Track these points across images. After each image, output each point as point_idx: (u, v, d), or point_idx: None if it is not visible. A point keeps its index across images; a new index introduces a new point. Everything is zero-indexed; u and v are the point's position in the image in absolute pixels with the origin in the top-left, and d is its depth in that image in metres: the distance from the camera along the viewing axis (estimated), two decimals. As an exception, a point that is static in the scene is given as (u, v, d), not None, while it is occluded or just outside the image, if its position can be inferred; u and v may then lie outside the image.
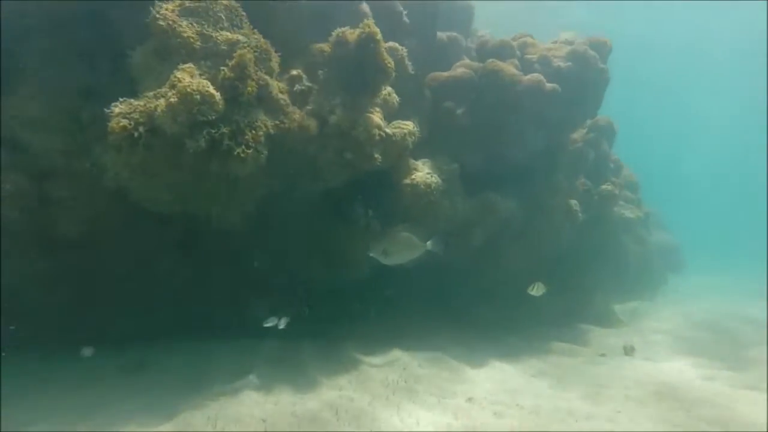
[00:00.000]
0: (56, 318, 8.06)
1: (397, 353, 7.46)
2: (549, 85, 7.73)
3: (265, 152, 5.38)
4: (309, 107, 6.07)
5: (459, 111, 8.11)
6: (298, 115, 5.86)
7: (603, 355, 8.26)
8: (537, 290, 6.83)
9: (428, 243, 6.39)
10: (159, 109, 4.71)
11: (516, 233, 8.76)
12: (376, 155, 6.38)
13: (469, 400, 5.81)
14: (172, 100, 4.67)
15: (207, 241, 8.34)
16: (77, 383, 6.50)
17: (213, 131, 4.84)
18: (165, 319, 8.75)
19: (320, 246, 8.03)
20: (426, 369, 6.84)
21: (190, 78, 4.78)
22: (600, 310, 11.43)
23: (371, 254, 6.36)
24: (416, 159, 7.98)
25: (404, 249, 6.41)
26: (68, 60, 5.86)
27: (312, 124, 5.98)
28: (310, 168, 6.84)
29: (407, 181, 7.65)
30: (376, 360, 7.15)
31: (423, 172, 7.71)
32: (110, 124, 4.71)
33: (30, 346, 7.93)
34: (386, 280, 8.75)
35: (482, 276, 9.78)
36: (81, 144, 5.74)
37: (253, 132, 5.11)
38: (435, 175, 7.71)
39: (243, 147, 5.01)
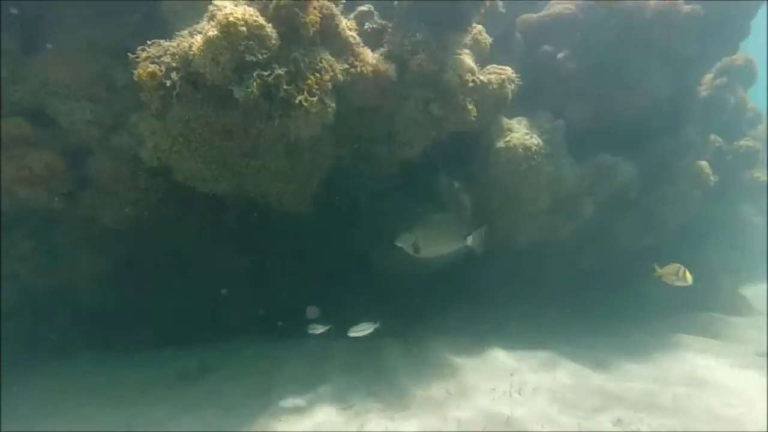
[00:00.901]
0: (109, 319, 7.28)
1: (496, 354, 6.05)
2: (686, 8, 5.94)
3: (333, 105, 4.10)
4: (383, 49, 4.72)
5: (560, 55, 6.50)
6: (371, 57, 4.52)
7: (762, 355, 6.44)
8: (679, 277, 5.10)
9: (468, 238, 4.95)
10: (195, 48, 3.53)
11: (629, 203, 7.06)
12: (470, 107, 4.95)
13: (618, 422, 4.31)
14: (211, 34, 3.47)
15: (267, 230, 7.27)
16: (133, 391, 5.59)
17: (265, 74, 3.60)
18: (225, 319, 7.81)
19: (397, 231, 6.72)
20: (540, 374, 5.38)
21: (233, 6, 3.55)
22: (727, 295, 9.44)
23: (398, 244, 5.05)
24: (509, 117, 6.46)
25: (438, 242, 5.07)
26: (100, 18, 4.82)
27: (389, 68, 4.63)
28: (386, 130, 5.51)
29: (501, 144, 6.17)
30: (474, 362, 5.77)
31: (520, 133, 6.19)
32: (136, 71, 3.58)
33: (83, 349, 7.20)
34: (468, 265, 7.35)
35: (582, 255, 8.14)
36: (117, 113, 4.69)
37: (317, 76, 3.83)
38: (535, 136, 6.17)
39: (305, 94, 3.74)
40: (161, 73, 3.53)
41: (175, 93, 3.57)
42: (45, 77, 4.41)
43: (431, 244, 5.05)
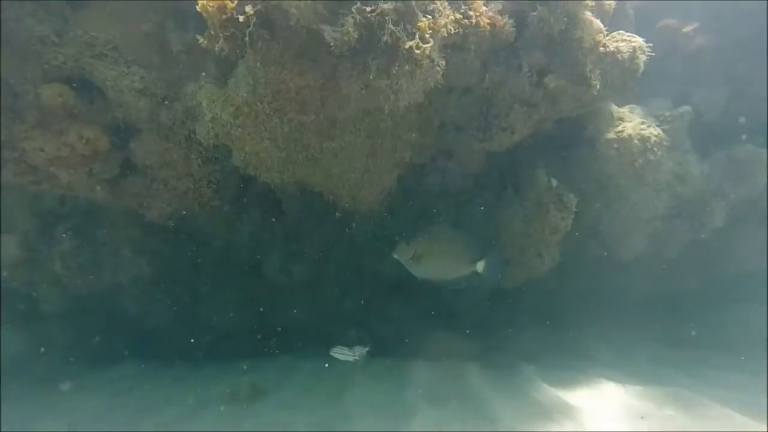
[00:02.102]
0: (151, 328, 6.48)
1: (606, 386, 4.84)
2: None
3: (443, 63, 3.12)
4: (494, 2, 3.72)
5: (687, 29, 5.36)
6: (485, 9, 3.54)
7: None
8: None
9: (478, 264, 4.08)
10: (276, -28, 2.64)
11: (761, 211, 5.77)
12: (594, 81, 3.89)
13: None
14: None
15: (326, 234, 6.35)
16: (180, 414, 4.68)
17: (367, 9, 2.65)
18: (275, 331, 6.89)
19: (487, 235, 5.66)
20: (676, 411, 4.16)
21: None
22: None
23: (395, 256, 4.13)
24: (618, 105, 5.35)
25: (443, 261, 4.15)
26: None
27: (507, 23, 3.63)
28: (480, 113, 4.50)
29: (611, 135, 5.05)
30: (581, 394, 4.59)
31: (634, 122, 5.06)
32: (200, 3, 2.70)
33: (125, 360, 6.41)
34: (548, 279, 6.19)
35: (687, 272, 6.84)
36: (170, 82, 3.86)
37: (430, 18, 2.86)
38: (653, 126, 5.02)
39: (417, 40, 2.77)
40: (233, 5, 2.64)
41: (248, 32, 2.66)
42: (91, 37, 3.61)
43: (435, 262, 4.08)
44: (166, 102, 3.89)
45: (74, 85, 3.78)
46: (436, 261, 4.15)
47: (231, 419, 4.36)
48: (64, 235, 5.81)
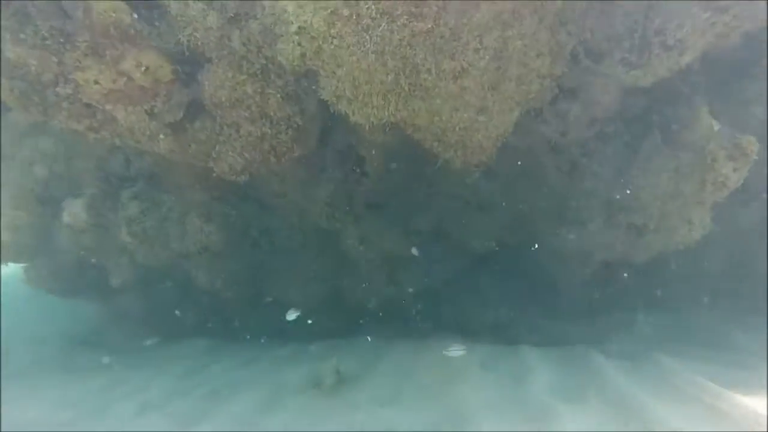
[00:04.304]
0: (221, 303, 5.82)
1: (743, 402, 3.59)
2: None
3: None
4: None
5: None
6: None
7: None
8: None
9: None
10: None
11: None
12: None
13: None
14: None
15: (415, 199, 5.41)
16: (257, 402, 3.92)
17: None
18: (353, 309, 6.07)
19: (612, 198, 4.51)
20: None
21: None
22: None
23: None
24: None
25: None
26: None
27: None
28: (633, 28, 3.34)
29: None
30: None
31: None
32: None
33: (197, 336, 5.79)
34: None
35: None
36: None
37: None
38: None
39: None
40: None
41: None
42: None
43: None
44: (239, 20, 3.01)
45: (131, 1, 2.98)
46: None
47: (318, 412, 3.53)
48: (128, 200, 5.20)
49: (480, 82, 3.15)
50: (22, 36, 2.80)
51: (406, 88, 2.94)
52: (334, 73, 2.87)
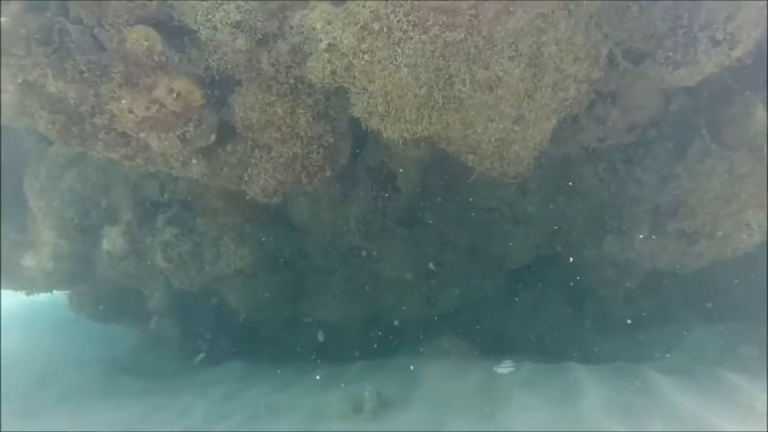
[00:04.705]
0: (255, 325, 5.77)
1: None
2: None
3: None
4: None
5: None
6: None
7: None
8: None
9: None
10: None
11: None
12: None
13: None
14: None
15: (449, 213, 5.29)
16: (297, 427, 3.81)
17: None
18: (387, 332, 5.94)
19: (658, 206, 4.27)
20: None
21: None
22: None
23: None
24: None
25: None
26: None
27: None
28: (677, 24, 3.16)
29: None
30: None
31: None
32: None
33: (231, 359, 5.74)
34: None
35: None
36: (272, 11, 2.94)
37: None
38: None
39: None
40: None
41: None
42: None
43: None
44: (269, 40, 2.98)
45: (162, 29, 2.99)
46: None
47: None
48: (163, 226, 5.24)
49: (515, 90, 3.02)
50: (62, 71, 2.84)
51: (440, 101, 2.84)
52: (365, 89, 2.80)
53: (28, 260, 5.37)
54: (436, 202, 5.22)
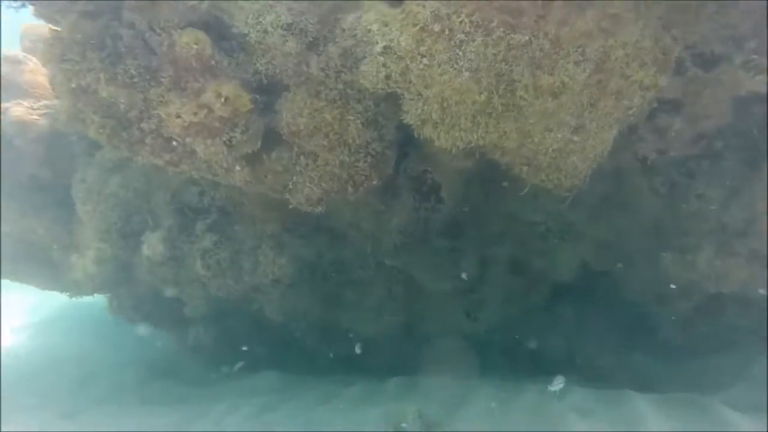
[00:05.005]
0: (291, 335, 5.65)
1: None
2: None
3: None
4: None
5: None
6: None
7: None
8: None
9: None
10: None
11: None
12: None
13: None
14: None
15: (493, 225, 5.08)
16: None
17: None
18: (427, 347, 5.71)
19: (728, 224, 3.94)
20: None
21: None
22: None
23: None
24: None
25: None
26: None
27: None
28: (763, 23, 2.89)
29: None
30: None
31: None
32: None
33: (266, 369, 5.62)
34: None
35: None
36: (323, 13, 2.83)
37: None
38: None
39: None
40: None
41: None
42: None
43: None
44: (318, 44, 2.87)
45: (211, 33, 2.92)
46: None
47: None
48: (203, 233, 5.20)
49: (578, 98, 2.81)
50: (114, 75, 2.80)
51: (499, 108, 2.66)
52: (420, 95, 2.64)
53: (73, 263, 5.42)
54: (479, 214, 5.01)
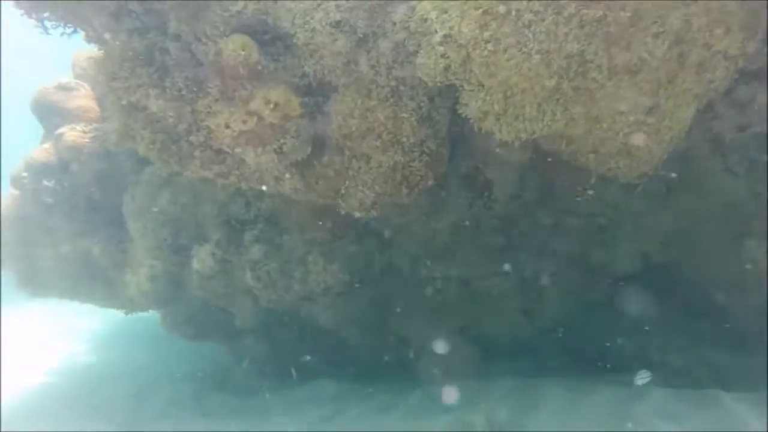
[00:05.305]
0: (343, 344, 5.52)
1: None
2: None
3: None
4: None
5: None
6: None
7: None
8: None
9: None
10: None
11: None
12: None
13: None
14: None
15: (549, 219, 4.85)
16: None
17: None
18: (485, 349, 5.47)
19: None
20: None
21: None
22: None
23: None
24: None
25: None
26: None
27: None
28: None
29: None
30: None
31: None
32: None
33: (321, 377, 5.52)
34: None
35: None
36: (373, 8, 2.68)
37: None
38: None
39: None
40: None
41: None
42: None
43: None
44: (368, 41, 2.71)
45: (257, 37, 2.81)
46: None
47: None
48: (251, 243, 5.14)
49: (655, 75, 2.55)
50: (163, 90, 2.73)
51: (569, 93, 2.43)
52: (481, 85, 2.44)
53: (128, 281, 5.47)
54: (535, 207, 4.76)
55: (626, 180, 3.31)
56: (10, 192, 5.71)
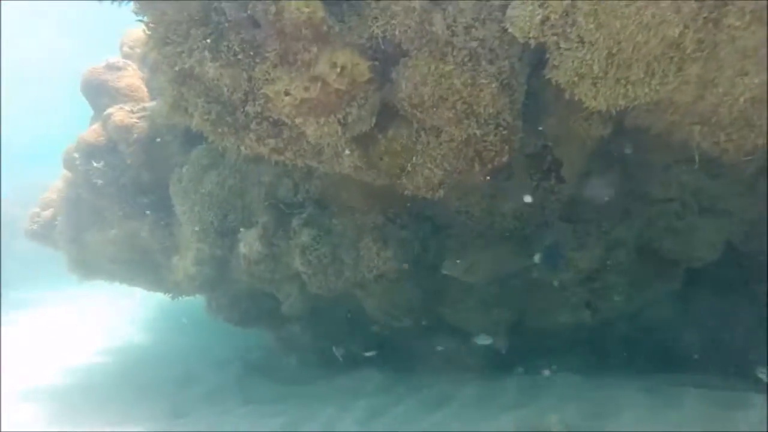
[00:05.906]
0: (398, 335, 5.24)
1: None
2: None
3: None
4: None
5: None
6: None
7: None
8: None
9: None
10: None
11: None
12: None
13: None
14: None
15: (618, 204, 4.44)
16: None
17: None
18: (543, 342, 5.11)
19: None
20: None
21: None
22: None
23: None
24: None
25: None
26: None
27: None
28: None
29: None
30: None
31: None
32: None
33: (366, 366, 5.27)
34: None
35: None
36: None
37: None
38: None
39: None
40: None
41: None
42: None
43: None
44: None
45: (320, -4, 2.51)
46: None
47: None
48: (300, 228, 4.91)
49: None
50: (218, 54, 2.48)
51: (689, 48, 2.02)
52: (581, 41, 2.07)
53: (174, 265, 5.34)
54: (603, 192, 4.34)
55: (734, 156, 2.86)
56: (63, 173, 5.67)
